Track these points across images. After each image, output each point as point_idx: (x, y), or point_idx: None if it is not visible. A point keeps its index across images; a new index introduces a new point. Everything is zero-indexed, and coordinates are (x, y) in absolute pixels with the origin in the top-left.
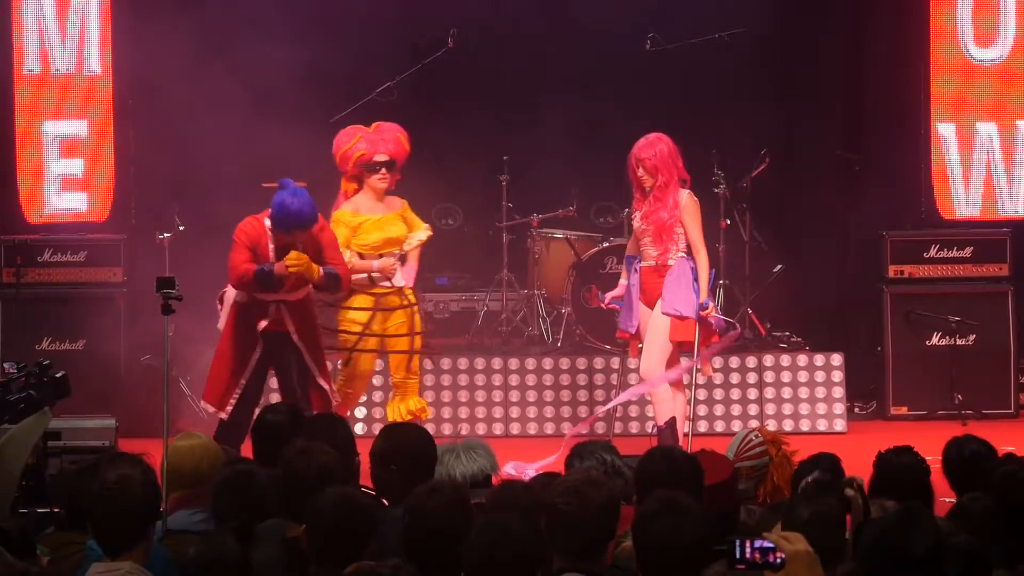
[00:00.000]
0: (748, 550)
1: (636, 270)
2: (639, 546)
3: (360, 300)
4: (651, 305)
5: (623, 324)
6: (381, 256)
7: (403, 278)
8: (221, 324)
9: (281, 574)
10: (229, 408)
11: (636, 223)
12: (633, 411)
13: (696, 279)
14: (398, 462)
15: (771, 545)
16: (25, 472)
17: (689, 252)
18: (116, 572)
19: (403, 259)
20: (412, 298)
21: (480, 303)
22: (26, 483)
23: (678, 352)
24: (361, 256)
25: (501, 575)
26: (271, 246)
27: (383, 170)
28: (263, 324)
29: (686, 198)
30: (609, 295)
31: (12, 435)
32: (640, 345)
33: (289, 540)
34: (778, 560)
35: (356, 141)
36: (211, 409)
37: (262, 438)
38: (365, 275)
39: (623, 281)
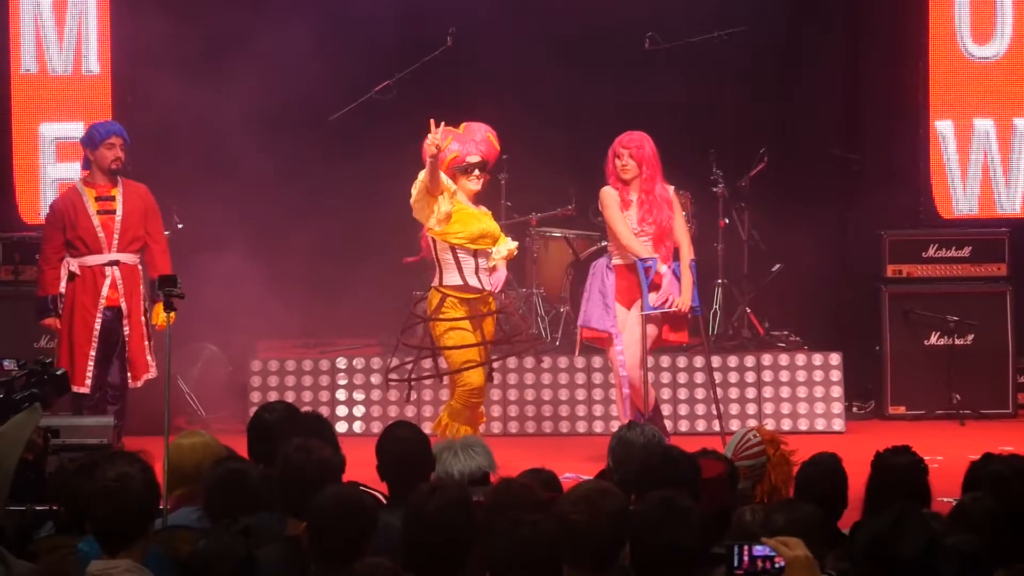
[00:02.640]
0: (747, 557)
1: (611, 268)
2: (635, 546)
3: (454, 310)
4: (629, 305)
5: (598, 323)
6: (476, 252)
7: (491, 283)
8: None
9: (283, 572)
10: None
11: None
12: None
13: (677, 275)
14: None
15: (770, 552)
16: (21, 468)
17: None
18: (115, 570)
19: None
20: (493, 304)
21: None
22: (25, 480)
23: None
24: (453, 249)
25: (532, 574)
26: (89, 204)
27: (476, 171)
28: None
29: (672, 193)
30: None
31: (3, 432)
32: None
33: (290, 538)
34: (777, 566)
35: (449, 143)
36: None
37: (258, 436)
38: (458, 275)
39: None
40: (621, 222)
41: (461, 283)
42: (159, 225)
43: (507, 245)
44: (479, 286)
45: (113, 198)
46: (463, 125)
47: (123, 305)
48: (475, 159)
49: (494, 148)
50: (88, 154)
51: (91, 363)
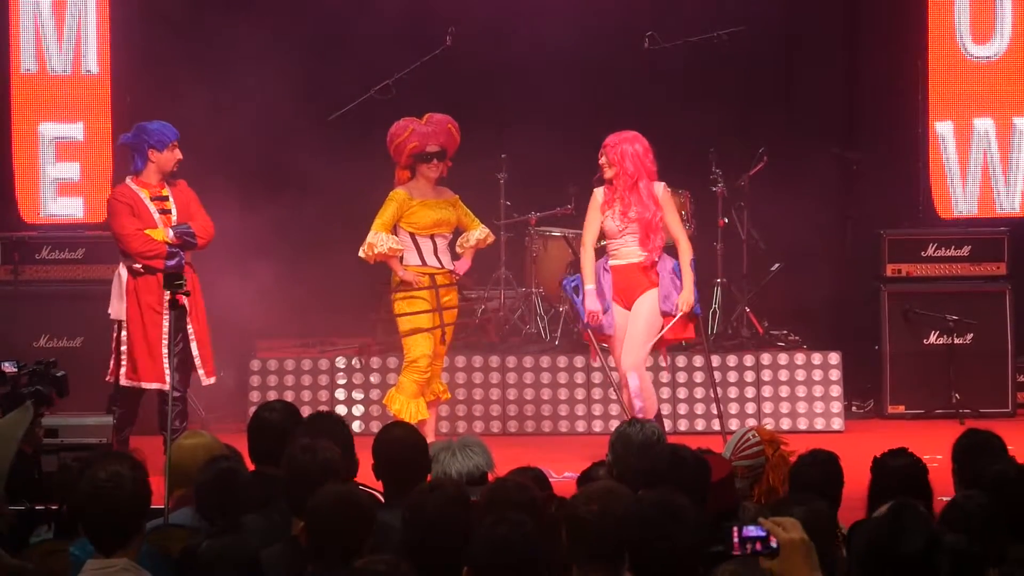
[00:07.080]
0: (736, 538)
1: (607, 270)
2: (632, 547)
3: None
4: (628, 304)
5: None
6: (433, 236)
7: (452, 265)
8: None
9: (285, 572)
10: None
11: (613, 223)
12: (612, 410)
13: (678, 274)
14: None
15: (764, 533)
16: (17, 468)
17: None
18: (110, 569)
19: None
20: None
21: (478, 301)
22: (18, 473)
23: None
24: (413, 236)
25: (509, 573)
26: (147, 201)
27: (435, 160)
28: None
29: (662, 191)
30: (594, 313)
31: None
32: (603, 345)
33: (292, 538)
34: (773, 546)
35: (409, 134)
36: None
37: (259, 436)
38: (417, 256)
39: (590, 287)
40: (588, 229)
41: (419, 262)
42: (201, 209)
43: (475, 234)
44: (438, 264)
45: (166, 198)
46: (426, 116)
47: (186, 302)
48: (434, 149)
49: (454, 138)
50: (151, 155)
51: (166, 359)
